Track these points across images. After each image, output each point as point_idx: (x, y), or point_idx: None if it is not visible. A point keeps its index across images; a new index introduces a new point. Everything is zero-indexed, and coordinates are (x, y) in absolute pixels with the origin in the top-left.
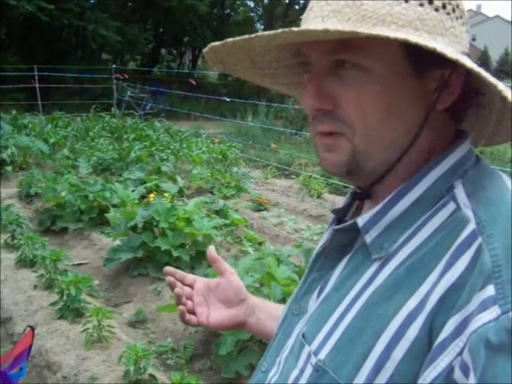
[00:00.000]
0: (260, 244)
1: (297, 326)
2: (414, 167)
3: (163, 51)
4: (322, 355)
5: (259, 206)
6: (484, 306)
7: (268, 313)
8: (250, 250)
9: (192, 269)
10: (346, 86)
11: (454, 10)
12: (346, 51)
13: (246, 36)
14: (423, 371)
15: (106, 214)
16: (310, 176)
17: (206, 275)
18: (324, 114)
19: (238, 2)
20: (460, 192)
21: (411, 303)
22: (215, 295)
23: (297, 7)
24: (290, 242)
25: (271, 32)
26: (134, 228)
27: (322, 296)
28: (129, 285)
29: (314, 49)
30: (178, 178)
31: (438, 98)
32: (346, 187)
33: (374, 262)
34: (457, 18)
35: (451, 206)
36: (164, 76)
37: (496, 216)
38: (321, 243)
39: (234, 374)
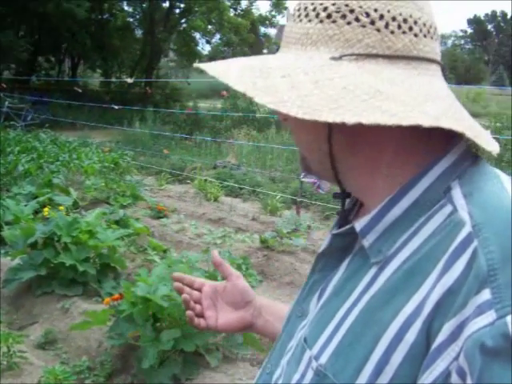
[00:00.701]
0: (165, 252)
1: (299, 327)
2: (398, 169)
3: (40, 59)
4: (323, 360)
5: (158, 214)
6: (480, 311)
7: (276, 314)
8: (156, 258)
9: (99, 282)
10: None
11: (343, 17)
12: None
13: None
14: (421, 375)
15: (2, 233)
16: (205, 180)
17: (114, 288)
18: None
19: (116, 7)
20: (457, 193)
21: (409, 308)
22: (222, 298)
23: (177, 11)
24: (193, 248)
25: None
26: (33, 245)
27: (323, 299)
28: (33, 305)
29: None
30: (72, 190)
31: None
32: (241, 189)
33: (372, 266)
34: (349, 23)
35: (448, 208)
36: (43, 85)
37: (492, 218)
38: (324, 244)
39: None
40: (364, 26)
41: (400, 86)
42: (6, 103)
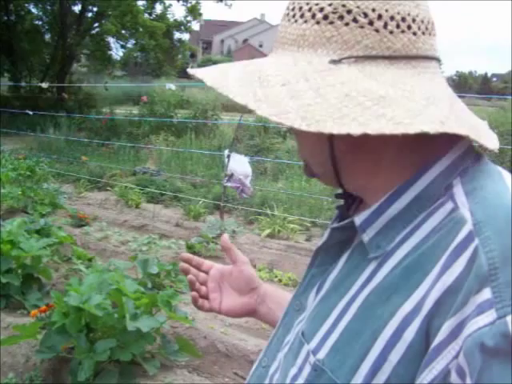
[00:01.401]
0: (90, 260)
1: (296, 321)
2: (399, 167)
3: None
4: (321, 355)
5: (80, 222)
6: (480, 310)
7: (279, 303)
8: (82, 267)
9: (23, 294)
10: None
11: (341, 17)
12: None
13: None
14: (420, 374)
15: None
16: (126, 186)
17: (39, 299)
18: None
19: (23, 9)
20: (458, 191)
21: (408, 306)
22: (228, 282)
23: (90, 14)
24: (118, 255)
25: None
26: None
27: (321, 294)
28: None
29: None
30: None
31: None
32: (162, 195)
33: (371, 261)
34: (346, 24)
35: (449, 206)
36: None
37: (493, 217)
38: (323, 239)
39: None
40: (362, 27)
41: (402, 89)
42: None
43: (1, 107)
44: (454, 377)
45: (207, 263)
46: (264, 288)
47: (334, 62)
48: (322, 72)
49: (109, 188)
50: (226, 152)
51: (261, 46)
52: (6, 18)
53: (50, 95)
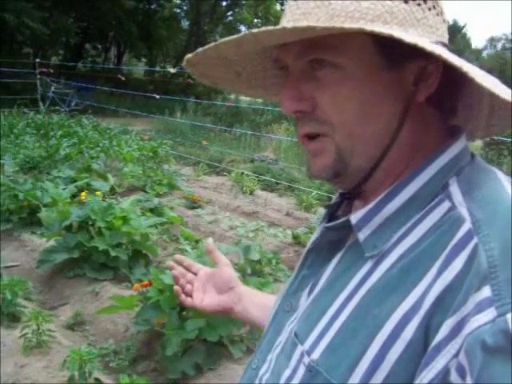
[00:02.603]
0: (197, 242)
1: (288, 322)
2: (401, 163)
3: (87, 46)
4: (316, 355)
5: (193, 204)
6: (480, 308)
7: (253, 301)
8: (188, 248)
9: (130, 268)
10: (321, 86)
11: (425, 1)
12: (318, 50)
13: (213, 44)
14: (419, 373)
15: (39, 214)
16: (242, 173)
17: (144, 274)
18: (304, 116)
19: None
20: (455, 190)
21: (406, 304)
22: (211, 282)
23: (224, 3)
24: (225, 240)
25: (235, 36)
26: (68, 228)
27: (314, 294)
28: (64, 286)
29: (288, 52)
30: (109, 176)
31: (416, 90)
32: (277, 184)
33: (367, 261)
34: (429, 9)
35: (446, 205)
36: (89, 71)
37: (492, 215)
38: (312, 239)
39: (180, 374)
40: (438, 15)
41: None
42: (52, 88)
43: (135, 90)
44: (453, 375)
45: (197, 266)
46: (241, 288)
47: (433, 43)
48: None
49: (226, 173)
50: None
51: None
52: (147, 6)
53: (182, 80)
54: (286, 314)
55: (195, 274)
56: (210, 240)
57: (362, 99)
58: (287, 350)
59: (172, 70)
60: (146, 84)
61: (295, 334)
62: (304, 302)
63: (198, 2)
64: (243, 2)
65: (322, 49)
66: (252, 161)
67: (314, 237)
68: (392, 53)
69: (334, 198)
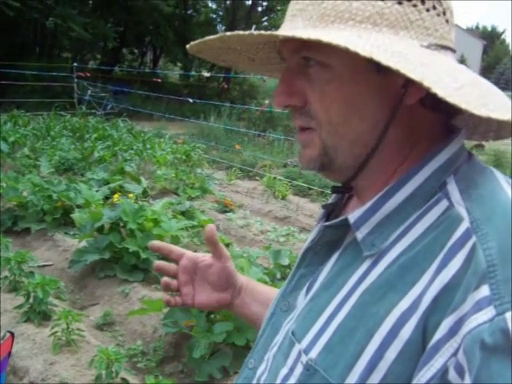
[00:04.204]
0: (227, 245)
1: (285, 322)
2: (394, 163)
3: (124, 50)
4: (313, 354)
5: (224, 208)
6: (479, 307)
7: (254, 296)
8: None
9: None
10: (312, 83)
11: (423, 1)
12: (309, 49)
13: (222, 34)
14: (417, 372)
15: (72, 215)
16: (275, 178)
17: (173, 277)
18: (296, 110)
19: (200, 3)
20: (453, 189)
21: (404, 303)
22: (204, 275)
23: (259, 9)
24: (256, 244)
25: (219, 35)
26: (100, 229)
27: (312, 293)
28: (95, 287)
29: (285, 47)
30: (142, 179)
31: (404, 92)
32: (310, 189)
33: (365, 260)
34: (427, 10)
35: (444, 204)
36: (125, 75)
37: (490, 214)
38: (310, 238)
39: (207, 377)
40: (439, 15)
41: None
42: (89, 92)
43: (170, 94)
44: (452, 374)
45: (177, 251)
46: (241, 281)
47: (424, 46)
48: (431, 55)
49: (258, 178)
50: None
51: None
52: (183, 11)
53: (216, 85)
54: (283, 313)
55: (176, 260)
56: (213, 227)
57: (347, 100)
58: (284, 349)
59: (206, 75)
60: (181, 88)
61: (292, 333)
62: (301, 301)
63: (234, 7)
64: (278, 8)
65: (311, 48)
66: (285, 166)
67: (311, 236)
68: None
69: (332, 197)
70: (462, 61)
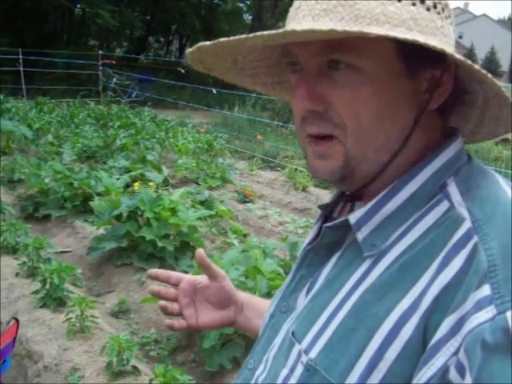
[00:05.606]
0: (245, 236)
1: (285, 323)
2: (405, 167)
3: (151, 39)
4: (313, 354)
5: (244, 198)
6: (480, 306)
7: (255, 310)
8: (235, 241)
9: (176, 259)
10: (339, 87)
11: (443, 10)
12: (339, 51)
13: (243, 36)
14: (418, 371)
15: (91, 203)
16: (296, 169)
17: (190, 266)
18: (315, 116)
19: None
20: (453, 190)
21: (405, 303)
22: (203, 296)
23: None
24: (274, 235)
25: (270, 32)
26: (118, 217)
27: (312, 293)
28: (112, 274)
29: (304, 49)
30: (163, 168)
31: (429, 98)
32: None
33: (365, 260)
34: (446, 18)
35: (445, 205)
36: (151, 64)
37: (492, 215)
38: (308, 239)
39: (218, 367)
40: (451, 24)
41: None
42: (114, 79)
43: (195, 83)
44: (452, 373)
45: (176, 276)
46: (241, 297)
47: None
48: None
49: (279, 169)
50: None
51: (460, 37)
52: (210, 0)
53: None
54: (282, 314)
55: (175, 284)
56: (202, 252)
57: (379, 104)
58: (284, 350)
59: None
60: (205, 77)
61: (292, 333)
62: (302, 301)
63: None
64: None
65: (342, 50)
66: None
67: (309, 237)
68: (411, 59)
69: (331, 197)
70: (492, 52)
